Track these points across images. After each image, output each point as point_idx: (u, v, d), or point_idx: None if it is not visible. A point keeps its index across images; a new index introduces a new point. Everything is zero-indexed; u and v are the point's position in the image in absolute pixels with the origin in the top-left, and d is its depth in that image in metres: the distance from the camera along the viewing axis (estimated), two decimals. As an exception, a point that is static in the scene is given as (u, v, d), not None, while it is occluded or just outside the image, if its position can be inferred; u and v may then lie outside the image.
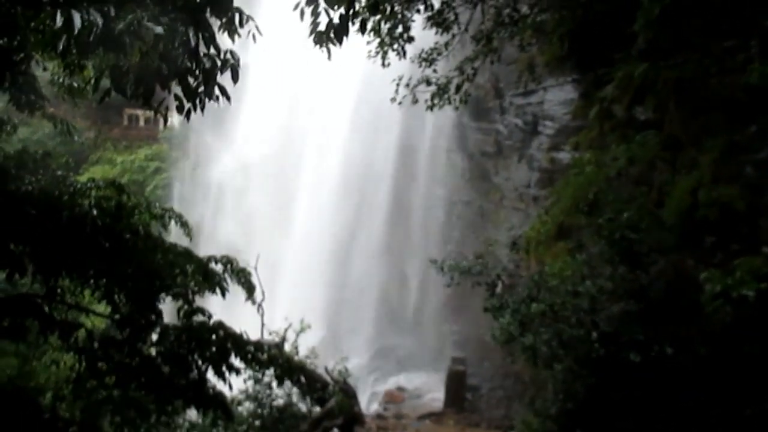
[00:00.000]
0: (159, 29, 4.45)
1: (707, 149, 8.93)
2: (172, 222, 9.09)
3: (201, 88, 5.16)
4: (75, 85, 9.02)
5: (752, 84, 7.92)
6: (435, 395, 21.40)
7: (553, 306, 9.42)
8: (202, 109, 5.22)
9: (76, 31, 4.11)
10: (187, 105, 5.29)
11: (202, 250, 9.35)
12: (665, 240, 9.08)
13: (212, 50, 5.08)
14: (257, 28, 5.51)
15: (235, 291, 9.03)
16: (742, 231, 8.31)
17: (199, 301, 8.37)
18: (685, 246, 9.06)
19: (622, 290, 9.20)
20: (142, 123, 35.76)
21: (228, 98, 5.32)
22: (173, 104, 5.51)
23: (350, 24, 6.46)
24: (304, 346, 17.20)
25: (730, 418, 7.70)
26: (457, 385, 20.27)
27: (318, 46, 7.02)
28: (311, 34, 6.83)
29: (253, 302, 9.53)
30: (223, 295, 8.41)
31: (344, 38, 6.50)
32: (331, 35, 6.54)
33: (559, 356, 9.28)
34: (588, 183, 10.62)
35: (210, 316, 8.11)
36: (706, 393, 7.99)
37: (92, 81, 5.74)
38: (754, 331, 7.61)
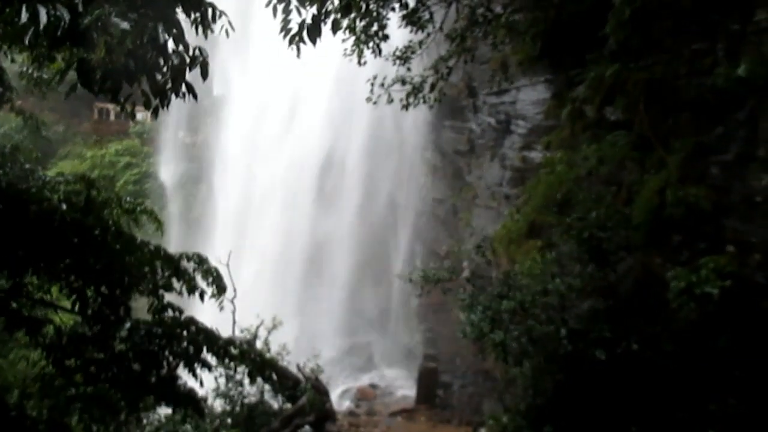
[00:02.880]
0: (125, 25, 4.42)
1: (675, 150, 9.08)
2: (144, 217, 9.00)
3: (168, 85, 5.12)
4: (44, 77, 8.88)
5: (719, 86, 8.08)
6: (407, 392, 21.52)
7: (523, 303, 9.52)
8: (167, 105, 5.19)
9: (42, 26, 4.06)
10: (155, 102, 5.26)
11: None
12: (633, 238, 9.23)
13: (180, 47, 5.05)
14: (230, 23, 5.49)
15: (204, 295, 8.98)
16: (708, 230, 8.47)
17: (168, 299, 8.31)
18: (653, 244, 9.21)
19: (590, 288, 9.33)
20: (112, 117, 35.28)
21: (195, 96, 5.30)
22: (141, 99, 5.47)
23: (322, 24, 6.47)
24: (276, 344, 17.17)
25: (694, 413, 7.87)
26: (428, 382, 20.39)
27: (289, 45, 7.01)
28: (281, 31, 6.82)
29: (221, 305, 9.45)
30: (194, 293, 8.35)
31: (317, 39, 6.52)
32: (304, 35, 6.55)
33: (528, 353, 9.38)
34: (559, 182, 10.75)
35: (181, 312, 8.06)
36: (671, 388, 8.15)
37: (58, 74, 5.66)
38: (718, 327, 7.78)
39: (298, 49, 6.93)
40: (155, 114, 5.27)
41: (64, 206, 7.15)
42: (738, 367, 7.68)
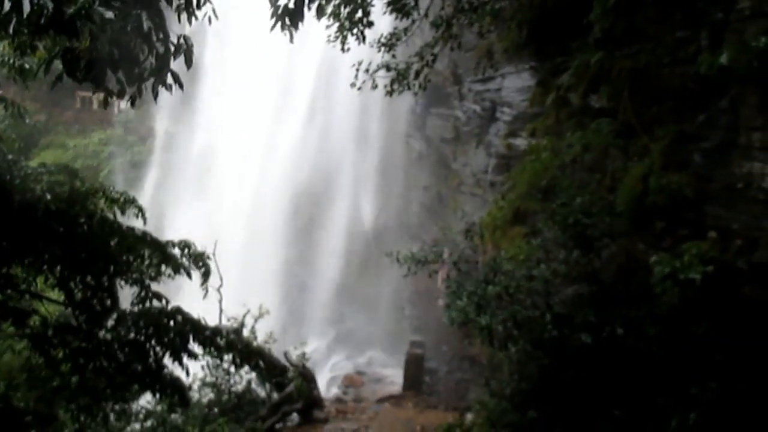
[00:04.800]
0: (110, 14, 4.38)
1: (658, 137, 9.16)
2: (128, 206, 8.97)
3: (152, 75, 5.09)
4: (26, 66, 8.76)
5: (702, 74, 8.13)
6: (394, 378, 21.62)
7: (508, 289, 9.60)
8: (155, 96, 5.17)
9: (25, 15, 4.02)
10: (130, 91, 5.24)
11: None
12: (617, 225, 9.32)
13: (162, 35, 5.01)
14: (214, 11, 5.47)
15: (192, 277, 8.99)
16: (690, 216, 8.57)
17: (155, 288, 8.30)
18: (636, 231, 9.30)
19: (575, 273, 9.43)
20: (95, 106, 34.81)
21: (181, 85, 5.28)
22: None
23: (306, 9, 6.44)
24: (263, 332, 17.19)
25: (676, 396, 7.99)
26: (415, 368, 20.49)
27: (280, 29, 6.97)
28: (272, 17, 6.79)
29: (209, 289, 9.47)
30: (189, 275, 8.36)
31: (300, 23, 6.48)
32: (287, 20, 6.52)
33: (514, 337, 9.48)
34: (543, 169, 10.80)
35: (167, 302, 8.05)
36: (654, 372, 8.27)
37: (44, 63, 5.60)
38: (699, 312, 7.90)
39: (291, 34, 6.88)
40: (132, 103, 5.24)
41: (48, 197, 7.11)
42: (719, 351, 7.80)
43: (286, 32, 7.01)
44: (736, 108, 8.04)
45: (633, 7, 9.57)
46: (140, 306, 7.92)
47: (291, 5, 6.41)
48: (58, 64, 5.14)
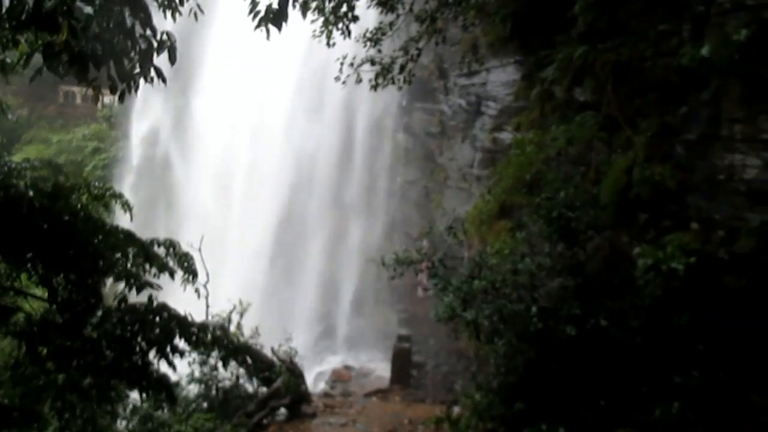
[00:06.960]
0: (89, 9, 4.35)
1: (641, 130, 9.22)
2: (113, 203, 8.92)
3: (136, 70, 5.06)
4: (8, 61, 8.66)
5: (684, 67, 8.21)
6: (381, 373, 21.65)
7: (494, 283, 9.64)
8: (136, 90, 5.14)
9: (4, 10, 3.99)
10: (121, 87, 5.20)
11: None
12: (601, 217, 9.39)
13: (148, 31, 4.98)
14: (199, 6, 5.44)
15: (178, 273, 8.95)
16: (673, 208, 8.65)
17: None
18: (620, 223, 9.38)
19: (560, 266, 9.48)
20: (78, 101, 34.49)
21: (164, 80, 5.25)
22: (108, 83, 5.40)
23: (291, 6, 6.40)
24: (249, 327, 17.17)
25: (660, 385, 8.08)
26: (402, 363, 20.55)
27: (256, 28, 6.91)
28: (250, 13, 6.73)
29: (194, 287, 9.44)
30: (172, 276, 8.33)
31: (283, 23, 6.43)
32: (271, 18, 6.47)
33: (500, 331, 9.52)
34: (528, 163, 10.88)
35: (159, 288, 8.02)
36: (637, 362, 8.35)
37: (24, 57, 5.55)
38: (682, 303, 7.98)
39: (268, 32, 6.84)
40: (121, 99, 5.21)
41: (32, 193, 7.04)
42: (701, 341, 7.90)
43: (262, 31, 6.96)
44: (718, 100, 8.11)
45: (616, 0, 9.63)
46: (125, 303, 7.88)
47: (275, 5, 6.34)
48: (38, 58, 5.09)
